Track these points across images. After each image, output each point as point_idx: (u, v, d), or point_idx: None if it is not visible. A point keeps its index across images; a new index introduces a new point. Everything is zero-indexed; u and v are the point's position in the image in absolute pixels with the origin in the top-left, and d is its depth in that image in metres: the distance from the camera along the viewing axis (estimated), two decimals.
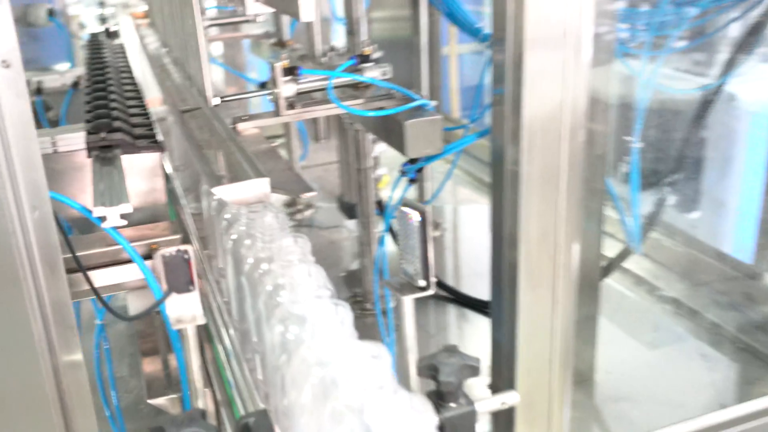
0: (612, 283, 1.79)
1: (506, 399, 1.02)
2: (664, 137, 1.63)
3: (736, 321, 1.65)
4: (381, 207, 2.10)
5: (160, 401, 1.19)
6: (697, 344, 1.64)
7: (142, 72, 2.31)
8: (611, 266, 1.63)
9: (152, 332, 1.36)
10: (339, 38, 2.38)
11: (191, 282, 0.83)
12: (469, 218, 2.54)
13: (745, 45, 1.33)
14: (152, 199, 1.22)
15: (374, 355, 0.71)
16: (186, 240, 1.35)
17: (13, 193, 0.82)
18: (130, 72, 1.96)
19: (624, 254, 1.60)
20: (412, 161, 1.47)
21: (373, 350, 0.72)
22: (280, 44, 2.34)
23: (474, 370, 0.87)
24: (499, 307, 1.10)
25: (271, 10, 1.41)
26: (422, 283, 0.94)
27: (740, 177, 2.11)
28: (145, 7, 2.94)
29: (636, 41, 1.37)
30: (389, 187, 2.26)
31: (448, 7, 1.54)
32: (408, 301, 0.92)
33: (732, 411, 1.36)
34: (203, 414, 0.76)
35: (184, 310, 0.84)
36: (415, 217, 0.96)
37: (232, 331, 1.08)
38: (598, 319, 1.50)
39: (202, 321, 0.86)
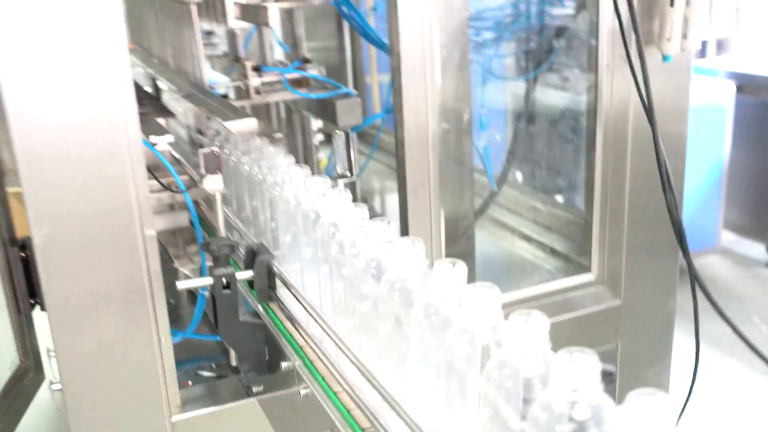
0: None
1: None
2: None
3: None
4: None
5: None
6: None
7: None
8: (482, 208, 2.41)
9: None
10: (280, 56, 3.14)
11: (219, 168, 1.55)
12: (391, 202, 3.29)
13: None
14: None
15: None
16: None
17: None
18: None
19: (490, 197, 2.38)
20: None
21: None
22: (236, 60, 3.06)
23: None
24: None
25: (246, 24, 2.13)
26: (348, 174, 1.68)
27: None
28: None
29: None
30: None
31: (361, 27, 2.30)
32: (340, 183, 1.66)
33: None
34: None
35: (215, 184, 1.56)
36: (341, 134, 1.70)
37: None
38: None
39: (224, 191, 1.58)
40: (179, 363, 1.64)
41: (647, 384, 2.14)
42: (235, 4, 2.05)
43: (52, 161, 1.41)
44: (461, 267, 0.96)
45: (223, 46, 3.31)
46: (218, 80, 2.51)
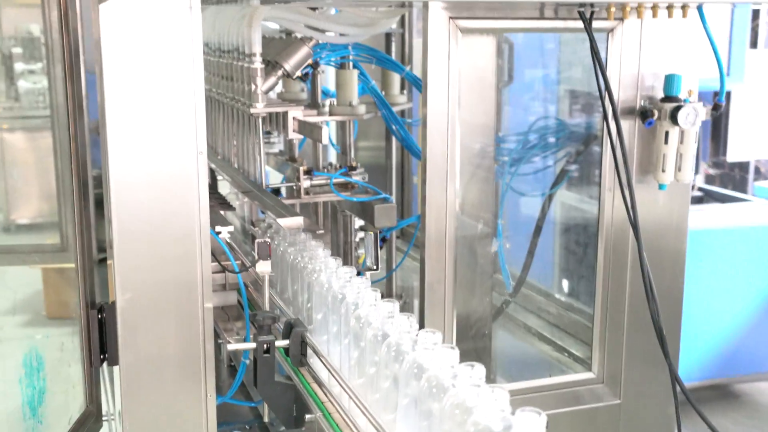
0: None
1: None
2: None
3: None
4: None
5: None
6: None
7: None
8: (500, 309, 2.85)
9: None
10: (332, 158, 3.69)
11: (269, 254, 2.04)
12: None
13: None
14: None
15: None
16: None
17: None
18: None
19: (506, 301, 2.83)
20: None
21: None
22: (291, 159, 3.61)
23: None
24: None
25: (301, 136, 2.66)
26: (374, 267, 2.15)
27: None
28: None
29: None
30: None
31: (403, 138, 2.81)
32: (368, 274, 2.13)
33: None
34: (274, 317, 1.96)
35: (265, 268, 2.05)
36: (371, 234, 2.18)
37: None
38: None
39: (272, 274, 2.07)
40: (218, 424, 2.09)
41: None
42: (294, 119, 2.58)
43: (140, 239, 1.91)
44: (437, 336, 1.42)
45: (279, 145, 3.88)
46: (272, 176, 3.03)
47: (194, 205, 1.95)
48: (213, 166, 3.27)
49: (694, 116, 2.37)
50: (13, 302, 4.55)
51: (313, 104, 3.09)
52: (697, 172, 6.74)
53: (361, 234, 3.24)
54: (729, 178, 8.04)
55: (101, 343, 2.20)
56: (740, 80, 5.36)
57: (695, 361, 5.05)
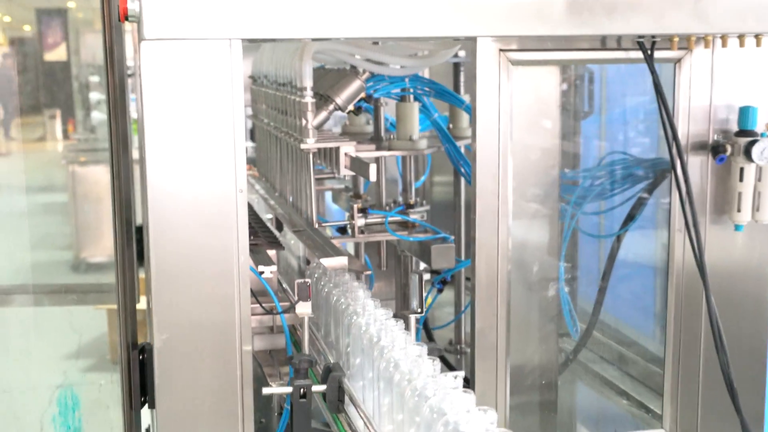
0: None
1: None
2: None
3: None
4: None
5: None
6: None
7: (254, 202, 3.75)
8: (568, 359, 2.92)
9: None
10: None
11: (309, 296, 2.18)
12: None
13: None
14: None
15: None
16: None
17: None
18: (250, 206, 3.41)
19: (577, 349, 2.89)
20: (438, 274, 2.84)
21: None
22: (357, 196, 3.75)
23: None
24: None
25: (353, 173, 2.80)
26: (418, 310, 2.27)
27: None
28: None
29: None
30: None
31: (467, 174, 2.92)
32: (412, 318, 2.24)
33: None
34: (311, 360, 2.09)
35: (304, 309, 2.18)
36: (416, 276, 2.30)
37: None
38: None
39: (312, 315, 2.20)
40: None
41: None
42: (346, 155, 2.73)
43: (177, 278, 2.08)
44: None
45: (346, 181, 4.05)
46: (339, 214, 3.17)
47: (233, 244, 2.11)
48: (273, 203, 3.45)
49: None
50: (78, 345, 4.81)
51: (376, 138, 3.24)
52: None
53: (427, 276, 3.36)
54: None
55: (142, 385, 2.38)
56: None
57: None
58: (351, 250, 3.64)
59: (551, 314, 2.65)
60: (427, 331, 3.28)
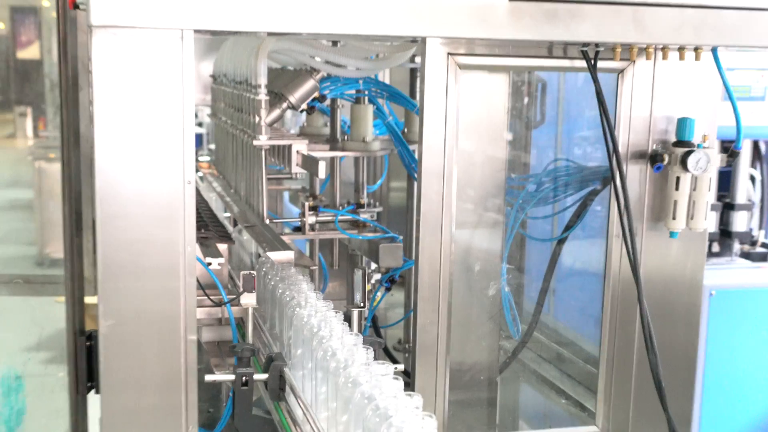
0: None
1: None
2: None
3: None
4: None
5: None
6: None
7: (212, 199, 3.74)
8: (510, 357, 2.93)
9: None
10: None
11: (254, 287, 2.17)
12: None
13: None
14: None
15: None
16: None
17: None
18: (206, 203, 3.39)
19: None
20: (387, 273, 2.85)
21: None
22: (312, 196, 3.75)
23: None
24: None
25: (304, 170, 2.80)
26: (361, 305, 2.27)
27: None
28: (207, 159, 4.50)
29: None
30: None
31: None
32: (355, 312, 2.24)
33: None
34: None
35: (249, 300, 2.18)
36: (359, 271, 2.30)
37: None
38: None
39: (256, 306, 2.20)
40: None
41: None
42: (298, 152, 2.73)
43: (123, 267, 2.06)
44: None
45: (303, 182, 4.04)
46: (295, 214, 3.16)
47: (179, 235, 2.10)
48: (228, 200, 3.44)
49: (705, 162, 2.44)
50: (39, 338, 4.74)
51: (331, 139, 3.24)
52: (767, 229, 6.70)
53: (377, 276, 3.37)
54: None
55: (89, 371, 2.36)
56: None
57: (750, 428, 5.02)
58: (307, 250, 3.64)
59: (492, 314, 2.66)
60: (375, 329, 3.28)
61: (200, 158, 4.62)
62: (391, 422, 1.40)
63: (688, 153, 2.44)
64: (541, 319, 3.27)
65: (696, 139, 2.48)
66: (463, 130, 2.45)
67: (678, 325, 2.60)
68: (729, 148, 2.58)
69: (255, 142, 2.70)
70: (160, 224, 2.10)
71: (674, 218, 2.48)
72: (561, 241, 2.83)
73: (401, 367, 2.14)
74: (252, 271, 2.19)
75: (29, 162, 9.79)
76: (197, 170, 4.53)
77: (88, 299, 2.51)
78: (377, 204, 3.16)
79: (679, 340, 2.61)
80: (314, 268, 2.71)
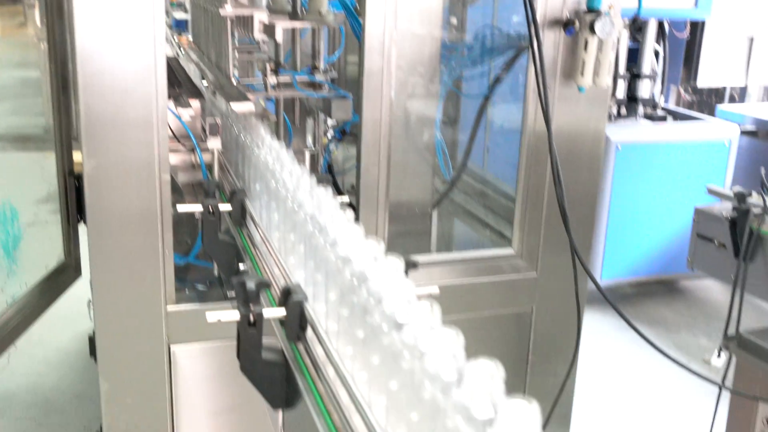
0: None
1: None
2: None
3: None
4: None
5: None
6: None
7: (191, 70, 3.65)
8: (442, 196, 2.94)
9: None
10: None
11: (218, 132, 2.13)
12: None
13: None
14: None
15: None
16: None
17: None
18: (185, 72, 3.30)
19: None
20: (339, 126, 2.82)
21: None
22: (276, 64, 3.67)
23: None
24: None
25: (265, 36, 2.72)
26: (312, 148, 2.24)
27: None
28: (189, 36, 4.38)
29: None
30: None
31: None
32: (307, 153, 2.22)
33: None
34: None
35: (214, 144, 2.14)
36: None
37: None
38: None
39: (221, 150, 2.16)
40: (183, 281, 2.22)
41: (556, 345, 2.63)
42: (260, 21, 2.64)
43: (103, 115, 2.02)
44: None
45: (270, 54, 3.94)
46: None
47: (151, 89, 2.05)
48: (203, 67, 3.35)
49: (610, 27, 2.40)
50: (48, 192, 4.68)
51: (292, 13, 3.14)
52: (667, 95, 6.73)
53: (332, 132, 3.34)
54: (705, 104, 8.02)
55: (78, 206, 2.33)
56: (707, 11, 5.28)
57: (645, 258, 5.17)
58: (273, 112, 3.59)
59: (426, 158, 2.65)
60: (332, 176, 3.26)
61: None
62: (328, 232, 1.40)
63: (596, 19, 2.39)
64: (473, 169, 3.28)
65: (603, 8, 2.43)
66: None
67: (582, 169, 2.61)
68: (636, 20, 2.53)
69: (222, 12, 2.61)
70: (136, 78, 2.04)
71: (582, 75, 2.46)
72: (487, 98, 2.81)
73: (346, 199, 2.13)
74: (216, 118, 2.15)
75: (36, 44, 9.53)
76: (179, 46, 4.41)
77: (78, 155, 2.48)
78: (333, 70, 3.10)
79: (583, 181, 2.62)
80: (273, 118, 2.66)
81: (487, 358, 0.87)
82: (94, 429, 3.57)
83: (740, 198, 2.59)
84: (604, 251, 5.02)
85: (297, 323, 1.44)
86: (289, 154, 1.87)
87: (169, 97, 2.33)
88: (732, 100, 8.13)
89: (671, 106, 6.53)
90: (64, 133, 2.29)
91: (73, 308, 4.24)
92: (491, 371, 0.85)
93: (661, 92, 5.68)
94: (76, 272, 2.50)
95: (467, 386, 0.86)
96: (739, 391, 2.57)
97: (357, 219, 2.37)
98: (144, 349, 2.23)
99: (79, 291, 2.80)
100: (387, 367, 1.07)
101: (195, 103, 2.58)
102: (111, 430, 2.30)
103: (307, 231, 1.50)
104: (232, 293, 2.21)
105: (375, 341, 1.12)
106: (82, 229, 2.36)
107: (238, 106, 2.26)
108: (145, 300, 2.17)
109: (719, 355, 2.70)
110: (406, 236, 2.63)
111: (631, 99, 5.41)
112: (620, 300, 5.27)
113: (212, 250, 2.09)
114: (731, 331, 2.58)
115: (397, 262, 1.20)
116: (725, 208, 2.70)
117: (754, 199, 2.61)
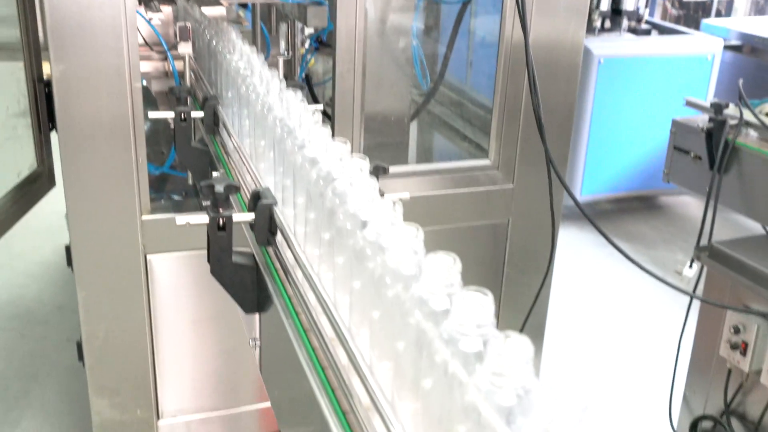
0: None
1: None
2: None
3: None
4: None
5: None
6: None
7: None
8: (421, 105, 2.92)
9: None
10: None
11: (189, 37, 2.09)
12: None
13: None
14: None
15: None
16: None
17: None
18: None
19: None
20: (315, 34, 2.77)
21: None
22: None
23: None
24: None
25: None
26: (285, 54, 2.20)
27: None
28: None
29: None
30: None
31: None
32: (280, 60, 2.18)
33: None
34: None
35: (185, 49, 2.10)
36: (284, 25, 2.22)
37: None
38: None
39: (191, 54, 2.12)
40: (160, 191, 2.21)
41: (532, 257, 2.65)
42: None
43: (70, 21, 1.97)
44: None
45: None
46: None
47: None
48: None
49: None
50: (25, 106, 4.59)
51: None
52: (652, 9, 6.64)
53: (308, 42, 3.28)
54: (691, 18, 7.93)
55: (49, 113, 2.30)
56: None
57: (625, 174, 5.19)
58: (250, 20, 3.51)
59: (402, 65, 2.61)
60: (310, 88, 3.23)
61: None
62: (296, 134, 1.38)
63: None
64: (453, 82, 3.25)
65: None
66: None
67: (560, 80, 2.58)
68: None
69: None
70: None
71: None
72: (466, 4, 2.75)
73: (320, 106, 2.11)
74: (187, 23, 2.10)
75: None
76: None
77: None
78: None
79: (560, 92, 2.60)
80: (246, 24, 2.61)
81: (445, 253, 0.88)
82: (76, 339, 3.62)
83: (717, 109, 2.58)
84: (585, 167, 5.02)
85: (266, 227, 1.44)
86: (260, 59, 1.84)
87: (140, 2, 2.27)
88: (719, 14, 8.03)
89: (657, 19, 6.45)
90: (32, 37, 2.24)
91: (54, 222, 4.23)
92: (448, 263, 0.86)
93: (646, 5, 5.59)
94: (50, 182, 2.48)
95: (426, 279, 0.87)
96: (708, 300, 2.62)
97: (332, 129, 2.36)
98: (120, 258, 2.24)
99: (59, 205, 2.77)
100: (350, 264, 1.08)
101: (167, 9, 2.52)
102: (90, 338, 2.33)
103: (276, 135, 1.48)
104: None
105: (340, 241, 1.13)
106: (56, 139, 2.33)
107: (210, 11, 2.21)
108: (119, 209, 2.16)
109: (691, 266, 2.74)
110: (384, 147, 2.61)
111: (615, 11, 5.32)
112: (599, 216, 5.32)
113: (186, 158, 2.08)
114: (704, 242, 2.61)
115: (363, 163, 1.20)
116: (702, 120, 2.69)
117: (731, 110, 2.60)
